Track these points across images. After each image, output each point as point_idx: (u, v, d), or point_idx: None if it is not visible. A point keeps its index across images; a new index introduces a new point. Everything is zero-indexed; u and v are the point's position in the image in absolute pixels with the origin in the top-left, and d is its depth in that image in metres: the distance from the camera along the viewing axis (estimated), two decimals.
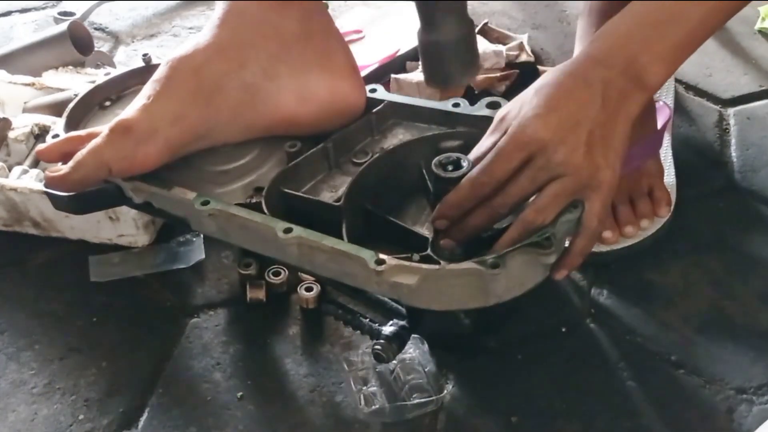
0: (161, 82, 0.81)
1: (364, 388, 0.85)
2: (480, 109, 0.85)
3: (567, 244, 0.76)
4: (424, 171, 0.82)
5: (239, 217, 0.78)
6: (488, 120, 0.82)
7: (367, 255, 0.73)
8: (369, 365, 0.86)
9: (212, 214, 0.79)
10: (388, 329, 0.81)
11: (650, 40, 0.76)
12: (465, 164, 0.76)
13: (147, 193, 0.82)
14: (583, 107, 0.74)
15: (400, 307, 0.82)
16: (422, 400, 0.83)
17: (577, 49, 1.14)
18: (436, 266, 0.72)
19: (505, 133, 0.76)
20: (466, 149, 0.80)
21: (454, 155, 0.77)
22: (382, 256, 0.72)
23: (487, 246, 0.75)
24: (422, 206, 0.84)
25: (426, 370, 0.86)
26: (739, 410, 0.84)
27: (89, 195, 0.82)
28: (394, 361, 0.84)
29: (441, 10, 0.69)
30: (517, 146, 0.74)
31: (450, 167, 0.77)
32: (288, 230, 0.75)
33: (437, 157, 0.77)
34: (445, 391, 0.84)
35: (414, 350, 0.87)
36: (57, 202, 0.84)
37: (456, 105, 0.86)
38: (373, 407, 0.83)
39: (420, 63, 0.76)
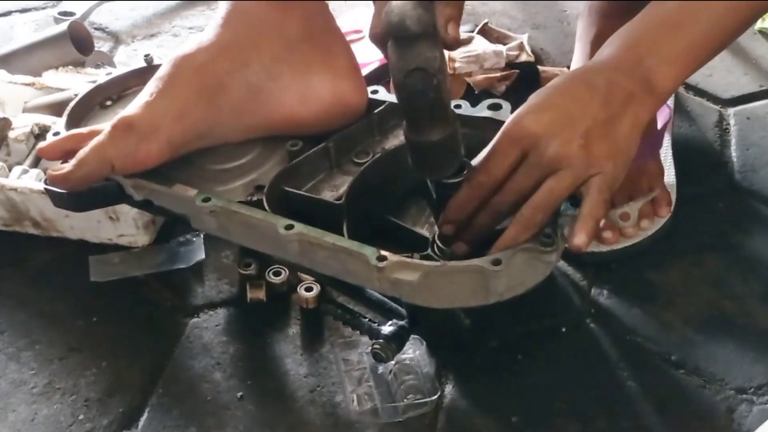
0: (164, 80, 0.81)
1: (358, 387, 0.85)
2: (481, 111, 0.85)
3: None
4: None
5: (240, 213, 0.78)
6: (489, 121, 0.82)
7: (368, 251, 0.73)
8: (366, 365, 0.86)
9: (213, 211, 0.79)
10: (387, 329, 0.81)
11: (659, 42, 0.75)
12: (467, 169, 0.76)
13: (147, 190, 0.82)
14: (582, 105, 0.73)
15: (399, 308, 0.82)
16: (416, 401, 0.83)
17: (577, 49, 1.14)
18: (438, 263, 0.72)
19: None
20: (468, 150, 0.79)
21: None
22: (383, 252, 0.72)
23: (488, 246, 0.75)
24: (422, 207, 0.84)
25: (423, 371, 0.86)
26: (739, 410, 0.84)
27: (89, 192, 0.82)
28: (393, 361, 0.84)
29: (426, 120, 0.70)
30: (510, 142, 0.73)
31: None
32: (289, 227, 0.75)
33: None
34: (439, 393, 0.84)
35: (413, 350, 0.87)
36: (57, 200, 0.84)
37: (457, 107, 0.86)
38: (366, 407, 0.83)
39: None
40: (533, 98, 0.76)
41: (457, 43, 0.74)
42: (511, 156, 0.73)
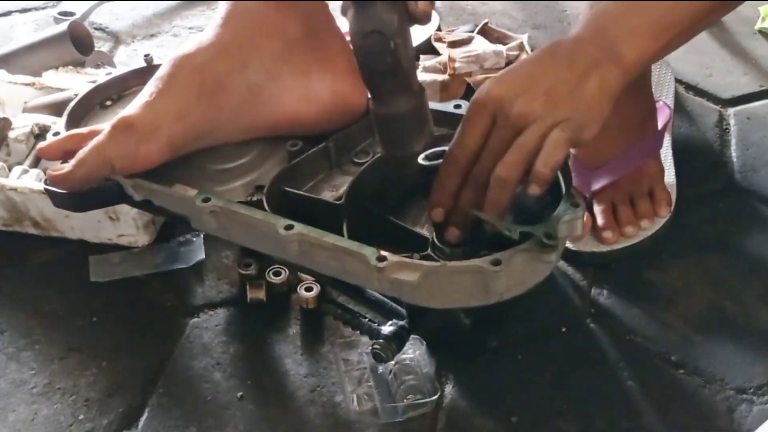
0: (164, 80, 0.81)
1: (358, 388, 0.85)
2: None
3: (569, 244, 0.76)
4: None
5: (240, 213, 0.78)
6: None
7: (368, 251, 0.73)
8: (366, 365, 0.86)
9: (213, 211, 0.79)
10: (387, 329, 0.81)
11: (625, 14, 0.76)
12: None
13: (147, 190, 0.82)
14: (544, 68, 0.74)
15: (399, 308, 0.82)
16: (416, 401, 0.83)
17: None
18: (438, 263, 0.72)
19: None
20: None
21: (439, 149, 0.77)
22: (383, 252, 0.72)
23: (488, 246, 0.75)
24: (422, 207, 0.84)
25: (423, 371, 0.86)
26: (739, 410, 0.84)
27: (89, 192, 0.82)
28: (393, 361, 0.84)
29: (387, 88, 0.70)
30: (476, 110, 0.74)
31: (434, 159, 0.77)
32: (289, 227, 0.75)
33: (424, 153, 0.77)
34: (438, 394, 0.84)
35: (413, 351, 0.87)
36: (57, 200, 0.84)
37: (457, 107, 0.86)
38: (366, 407, 0.83)
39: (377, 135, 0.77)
40: (503, 71, 0.76)
41: (426, 17, 0.73)
42: (480, 123, 0.73)
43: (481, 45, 1.22)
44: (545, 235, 0.72)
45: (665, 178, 1.03)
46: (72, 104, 0.91)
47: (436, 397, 0.84)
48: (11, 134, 1.04)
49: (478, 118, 0.73)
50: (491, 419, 0.84)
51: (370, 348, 0.81)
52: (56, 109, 1.04)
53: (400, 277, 0.72)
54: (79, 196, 0.82)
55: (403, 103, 0.71)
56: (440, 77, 1.16)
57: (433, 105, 0.88)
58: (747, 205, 1.06)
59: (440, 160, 0.75)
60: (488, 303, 0.74)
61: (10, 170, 1.01)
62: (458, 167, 0.74)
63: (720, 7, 0.80)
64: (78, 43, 1.18)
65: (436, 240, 0.77)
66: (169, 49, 1.32)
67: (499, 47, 1.22)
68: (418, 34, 1.27)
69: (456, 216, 0.76)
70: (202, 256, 0.98)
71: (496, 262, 0.71)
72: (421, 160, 0.77)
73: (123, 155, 0.79)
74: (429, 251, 0.76)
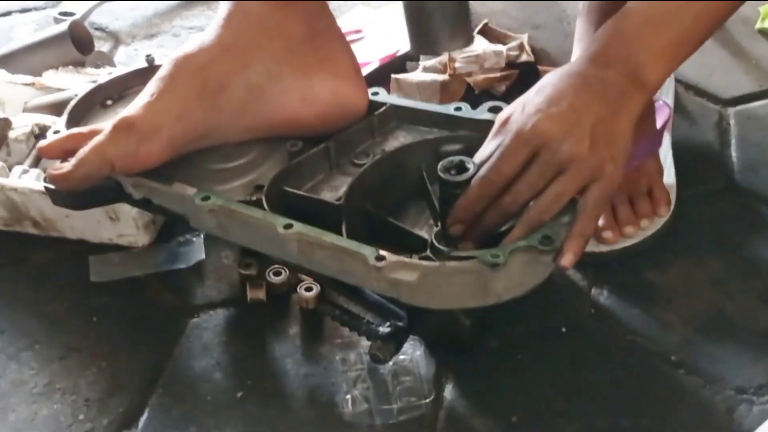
0: (165, 80, 0.81)
1: (353, 389, 0.85)
2: (482, 113, 0.85)
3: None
4: (424, 174, 0.83)
5: (240, 213, 0.78)
6: (490, 124, 0.82)
7: (367, 251, 0.73)
8: (365, 365, 0.86)
9: (212, 210, 0.79)
10: (385, 330, 0.81)
11: (646, 38, 0.77)
12: (470, 167, 0.76)
13: (147, 188, 0.82)
14: (585, 103, 0.75)
15: (398, 309, 0.82)
16: (411, 404, 0.83)
17: (576, 49, 1.14)
18: (437, 263, 0.72)
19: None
20: (468, 153, 0.79)
21: (457, 158, 0.77)
22: (382, 252, 0.72)
23: (494, 245, 0.74)
24: (422, 208, 0.84)
25: (422, 372, 0.86)
26: (739, 410, 0.84)
27: (88, 191, 0.82)
28: (391, 363, 0.84)
29: None
30: (522, 142, 0.74)
31: (454, 171, 0.76)
32: (288, 226, 0.75)
33: (441, 163, 0.77)
34: (433, 396, 0.84)
35: (412, 352, 0.87)
36: (56, 199, 0.84)
37: (458, 109, 0.87)
38: (360, 409, 0.83)
39: (408, 33, 0.75)
40: (536, 96, 0.76)
41: None
42: (522, 155, 0.74)
43: (481, 45, 1.22)
44: (544, 236, 0.72)
45: (665, 178, 1.03)
46: (73, 103, 0.91)
47: (431, 399, 0.84)
48: (11, 134, 1.04)
49: (522, 150, 0.74)
50: (491, 419, 0.84)
51: (368, 349, 0.81)
52: (56, 109, 1.04)
53: (399, 276, 0.72)
54: (78, 194, 0.83)
55: None
56: (440, 77, 1.16)
57: (434, 107, 0.88)
58: (747, 205, 1.06)
59: (464, 175, 0.75)
60: (487, 304, 0.74)
61: (10, 170, 1.01)
62: (490, 192, 0.75)
63: (728, 13, 0.81)
64: (78, 43, 1.18)
65: (435, 242, 0.77)
66: (169, 49, 1.32)
67: (499, 47, 1.22)
68: None
69: (474, 233, 0.77)
70: (202, 256, 0.98)
71: (495, 264, 0.71)
72: (440, 171, 0.77)
73: (123, 155, 0.79)
74: (428, 252, 0.75)
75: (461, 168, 0.76)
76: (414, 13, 0.70)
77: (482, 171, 0.75)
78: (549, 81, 0.77)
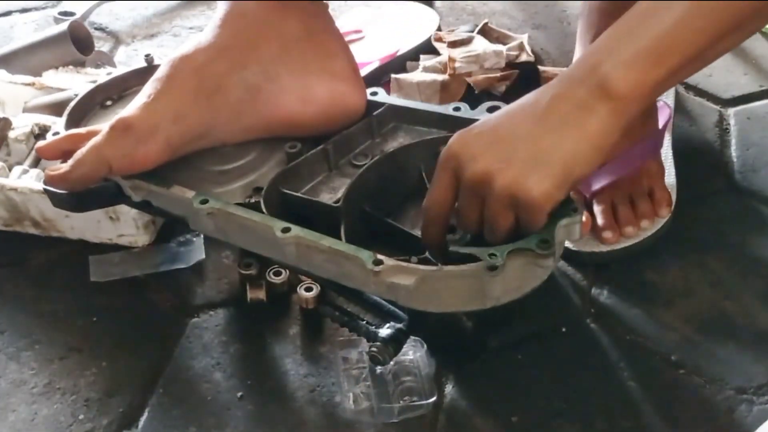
0: (162, 80, 0.81)
1: (356, 387, 0.85)
2: (480, 113, 0.85)
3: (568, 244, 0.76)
4: (423, 174, 0.82)
5: (238, 216, 0.78)
6: None
7: (364, 255, 0.73)
8: (366, 364, 0.86)
9: (211, 213, 0.79)
10: (384, 332, 0.81)
11: (616, 46, 0.70)
12: None
13: (146, 191, 0.82)
14: (514, 123, 0.71)
15: (398, 310, 0.82)
16: (411, 403, 0.83)
17: (577, 50, 1.14)
18: (434, 267, 0.72)
19: None
20: None
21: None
22: (379, 256, 0.72)
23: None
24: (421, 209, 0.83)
25: (423, 373, 0.86)
26: (739, 410, 0.84)
27: (88, 193, 0.82)
28: (391, 363, 0.84)
29: None
30: (440, 166, 0.73)
31: None
32: (286, 230, 0.75)
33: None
34: (435, 397, 0.84)
35: (413, 352, 0.87)
36: (56, 200, 0.84)
37: (457, 109, 0.86)
38: (362, 406, 0.83)
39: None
40: (480, 121, 0.74)
41: None
42: (443, 180, 0.72)
43: (481, 45, 1.22)
44: (541, 241, 0.71)
45: (665, 178, 1.03)
46: (72, 104, 0.91)
47: (432, 400, 0.84)
48: (11, 134, 1.04)
49: (441, 174, 0.73)
50: (491, 419, 0.84)
51: (368, 350, 0.81)
52: (56, 109, 1.04)
53: (397, 281, 0.72)
54: (78, 196, 0.82)
55: None
56: (440, 77, 1.16)
57: (433, 107, 0.88)
58: (747, 205, 1.06)
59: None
60: (485, 307, 0.73)
61: (10, 170, 1.01)
62: (438, 221, 0.74)
63: (731, 35, 0.71)
64: (78, 43, 1.18)
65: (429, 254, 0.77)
66: (169, 49, 1.32)
67: (499, 47, 1.22)
68: (418, 34, 1.28)
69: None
70: (202, 256, 0.98)
71: (493, 267, 0.71)
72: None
73: (121, 156, 0.79)
74: (427, 254, 0.75)
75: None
76: None
77: (424, 205, 0.74)
78: (509, 105, 0.74)
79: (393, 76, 1.17)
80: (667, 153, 1.07)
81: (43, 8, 1.43)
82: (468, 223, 0.74)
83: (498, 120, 0.72)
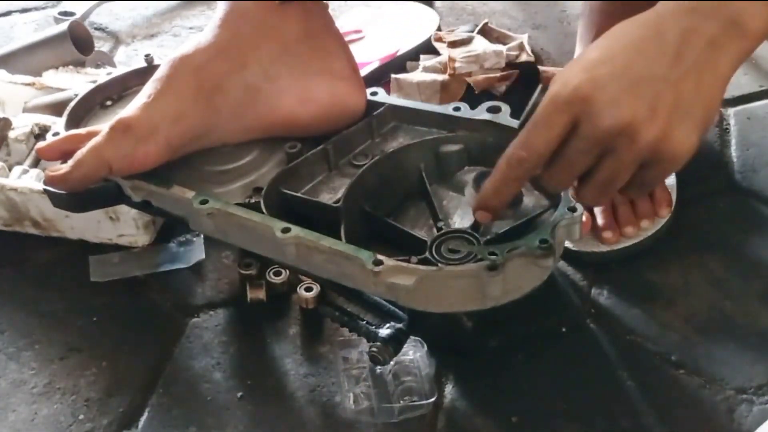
0: (162, 81, 0.81)
1: (356, 386, 0.85)
2: (481, 113, 0.85)
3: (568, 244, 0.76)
4: (423, 174, 0.83)
5: (237, 216, 0.78)
6: (489, 124, 0.82)
7: (364, 255, 0.73)
8: (366, 364, 0.86)
9: (211, 213, 0.79)
10: (384, 332, 0.81)
11: None
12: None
13: (146, 191, 0.82)
14: (650, 60, 0.60)
15: (397, 310, 0.82)
16: (411, 403, 0.83)
17: (578, 50, 1.14)
18: (434, 267, 0.72)
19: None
20: (467, 153, 0.79)
21: (488, 171, 0.69)
22: (379, 256, 0.72)
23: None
24: (421, 209, 0.84)
25: (423, 373, 0.86)
26: (739, 410, 0.84)
27: (88, 193, 0.82)
28: (391, 363, 0.84)
29: None
30: (557, 108, 0.61)
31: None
32: (286, 230, 0.75)
33: (474, 174, 0.76)
34: (435, 397, 0.84)
35: (414, 352, 0.87)
36: (56, 200, 0.84)
37: (456, 109, 0.86)
38: (362, 406, 0.83)
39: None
40: (590, 51, 0.63)
41: None
42: (557, 125, 0.61)
43: (481, 45, 1.22)
44: (542, 240, 0.71)
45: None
46: (72, 104, 0.91)
47: (432, 400, 0.84)
48: (11, 134, 1.04)
49: (557, 119, 0.61)
50: (491, 419, 0.84)
51: (368, 350, 0.81)
52: (56, 109, 1.04)
53: (396, 281, 0.72)
54: (78, 196, 0.83)
55: None
56: (440, 77, 1.16)
57: (433, 107, 0.88)
58: (747, 205, 1.06)
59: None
60: (484, 307, 0.74)
61: (10, 170, 1.01)
62: (520, 172, 0.64)
63: None
64: (78, 43, 1.18)
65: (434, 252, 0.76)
66: (169, 49, 1.32)
67: (499, 47, 1.21)
68: (418, 34, 1.28)
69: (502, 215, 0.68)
70: (202, 256, 0.98)
71: (493, 267, 0.71)
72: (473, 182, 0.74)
73: (121, 156, 0.79)
74: (427, 254, 0.75)
75: None
76: None
77: (510, 146, 0.63)
78: (615, 31, 0.63)
79: (393, 76, 1.17)
80: None
81: (43, 8, 1.44)
82: (565, 180, 0.63)
83: (626, 56, 0.61)
